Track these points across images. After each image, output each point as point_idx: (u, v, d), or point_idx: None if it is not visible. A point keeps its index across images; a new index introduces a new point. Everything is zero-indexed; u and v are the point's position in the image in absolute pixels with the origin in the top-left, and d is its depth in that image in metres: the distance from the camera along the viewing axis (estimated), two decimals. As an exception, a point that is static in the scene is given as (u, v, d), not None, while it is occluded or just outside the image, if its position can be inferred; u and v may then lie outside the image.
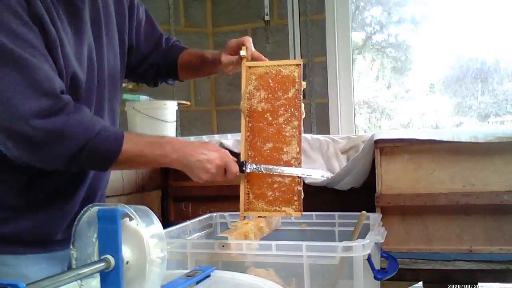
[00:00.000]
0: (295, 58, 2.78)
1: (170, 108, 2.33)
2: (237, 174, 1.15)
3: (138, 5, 1.33)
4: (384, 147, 1.53)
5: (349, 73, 2.78)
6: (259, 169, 1.16)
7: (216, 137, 2.09)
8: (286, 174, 1.16)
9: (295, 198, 1.16)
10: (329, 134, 2.44)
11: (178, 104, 2.43)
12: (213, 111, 3.05)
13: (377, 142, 1.53)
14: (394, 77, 2.99)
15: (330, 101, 2.76)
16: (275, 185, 1.17)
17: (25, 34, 0.95)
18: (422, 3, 2.85)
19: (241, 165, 1.16)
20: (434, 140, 1.49)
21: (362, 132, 2.84)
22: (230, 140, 1.96)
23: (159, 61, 1.40)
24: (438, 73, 2.87)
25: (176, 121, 2.52)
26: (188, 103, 2.54)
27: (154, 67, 1.40)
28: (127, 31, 1.29)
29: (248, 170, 1.17)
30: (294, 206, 1.16)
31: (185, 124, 2.94)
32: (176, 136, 2.50)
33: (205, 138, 2.09)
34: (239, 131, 1.21)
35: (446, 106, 2.85)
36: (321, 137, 1.97)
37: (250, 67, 1.22)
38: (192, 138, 2.12)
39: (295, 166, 1.17)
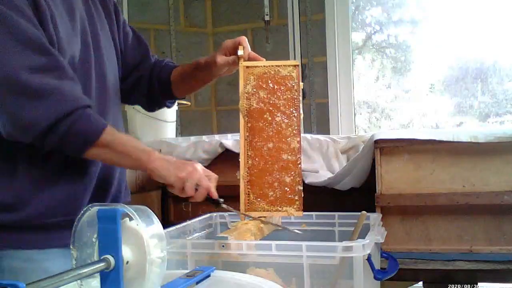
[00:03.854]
0: (295, 58, 2.78)
1: (170, 108, 2.33)
2: (209, 190, 1.12)
3: (119, 10, 1.35)
4: (384, 147, 1.53)
5: (349, 73, 2.78)
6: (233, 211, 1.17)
7: (216, 137, 2.09)
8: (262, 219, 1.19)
9: (296, 197, 1.16)
10: (329, 134, 2.44)
11: (178, 104, 2.43)
12: (213, 111, 3.05)
13: (377, 142, 1.53)
14: (394, 77, 3.00)
15: (330, 101, 2.76)
16: (276, 184, 1.17)
17: (23, 8, 0.99)
18: (422, 3, 2.85)
19: (217, 201, 1.14)
20: (434, 140, 1.49)
21: (362, 132, 2.84)
22: (230, 140, 1.95)
23: (148, 76, 1.37)
24: (438, 73, 2.87)
25: (176, 121, 2.53)
26: (188, 103, 2.54)
27: (142, 82, 1.37)
28: (117, 33, 1.30)
29: (223, 205, 1.15)
30: (295, 206, 1.16)
31: (185, 124, 2.94)
32: (176, 136, 2.50)
33: (205, 138, 2.09)
34: (239, 131, 1.21)
35: (446, 106, 2.86)
36: (321, 137, 1.97)
37: (247, 67, 1.21)
38: (192, 138, 2.12)
39: (295, 166, 1.18)
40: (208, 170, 1.14)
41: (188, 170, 1.09)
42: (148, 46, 1.41)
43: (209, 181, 1.11)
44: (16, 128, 1.02)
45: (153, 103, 1.44)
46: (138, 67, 1.37)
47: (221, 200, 1.15)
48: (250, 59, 1.23)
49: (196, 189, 1.10)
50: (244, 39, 1.23)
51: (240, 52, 1.21)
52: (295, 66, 1.21)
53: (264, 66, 1.21)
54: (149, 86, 1.38)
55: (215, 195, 1.13)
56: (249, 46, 1.23)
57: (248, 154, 1.19)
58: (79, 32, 1.14)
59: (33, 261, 1.08)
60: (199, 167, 1.11)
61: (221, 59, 1.25)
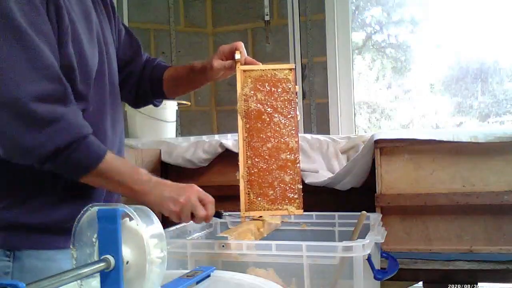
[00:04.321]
0: (295, 58, 2.78)
1: (170, 108, 2.33)
2: (205, 217, 1.14)
3: (114, 6, 1.34)
4: (384, 147, 1.53)
5: (349, 73, 2.78)
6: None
7: (216, 137, 2.09)
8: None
9: (296, 196, 1.18)
10: (329, 134, 2.44)
11: (178, 104, 2.43)
12: (213, 111, 3.05)
13: (377, 142, 1.53)
14: (394, 77, 2.99)
15: (330, 101, 2.76)
16: (276, 183, 1.18)
17: (41, 24, 0.99)
18: (422, 3, 2.85)
19: (219, 213, 1.19)
20: (434, 140, 1.49)
21: (362, 132, 2.84)
22: (230, 140, 1.96)
23: (138, 72, 1.37)
24: (438, 73, 2.86)
25: (176, 121, 2.52)
26: (188, 103, 2.54)
27: (132, 79, 1.38)
28: (115, 30, 1.30)
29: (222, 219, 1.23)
30: (295, 204, 1.18)
31: (185, 124, 2.94)
32: (176, 136, 2.50)
33: (205, 138, 2.09)
34: (238, 132, 1.22)
35: (446, 106, 2.85)
36: (321, 137, 1.98)
37: (245, 70, 1.24)
38: (192, 138, 2.12)
39: (294, 165, 1.19)
40: (205, 193, 1.14)
41: (181, 203, 1.09)
42: (140, 43, 1.41)
43: (204, 208, 1.12)
44: (15, 152, 1.01)
45: (140, 100, 1.44)
46: (129, 64, 1.37)
47: (222, 212, 1.21)
48: (246, 63, 1.25)
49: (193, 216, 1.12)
50: (241, 44, 1.25)
51: (237, 56, 1.23)
52: (290, 69, 1.24)
53: (260, 69, 1.24)
54: (139, 84, 1.38)
55: (209, 220, 1.15)
56: (245, 51, 1.25)
57: (247, 154, 1.20)
58: (96, 39, 1.14)
59: (54, 260, 1.09)
60: (193, 196, 1.11)
61: (217, 63, 1.27)
